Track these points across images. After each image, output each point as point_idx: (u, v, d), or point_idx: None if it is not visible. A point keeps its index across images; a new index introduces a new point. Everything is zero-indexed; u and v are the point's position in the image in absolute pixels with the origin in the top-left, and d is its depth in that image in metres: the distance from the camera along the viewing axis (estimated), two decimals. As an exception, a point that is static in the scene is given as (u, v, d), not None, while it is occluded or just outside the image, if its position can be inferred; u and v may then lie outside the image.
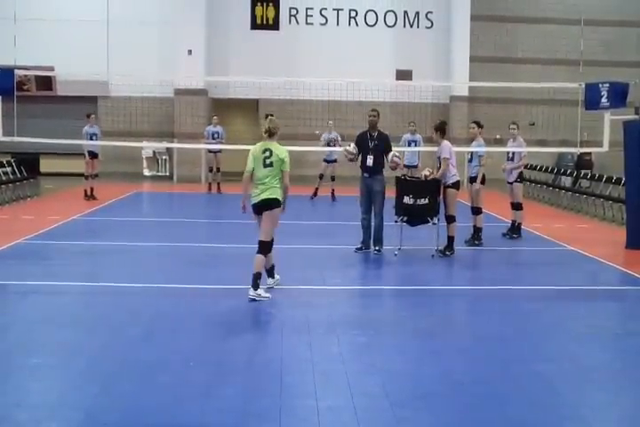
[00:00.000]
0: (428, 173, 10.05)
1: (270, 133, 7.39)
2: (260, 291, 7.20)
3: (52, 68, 18.94)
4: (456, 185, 9.99)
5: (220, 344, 5.87)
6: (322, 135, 16.75)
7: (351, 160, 9.96)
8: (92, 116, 15.93)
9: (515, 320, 6.89)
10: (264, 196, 7.30)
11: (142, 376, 5.10)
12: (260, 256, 7.31)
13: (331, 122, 16.84)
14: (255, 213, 7.43)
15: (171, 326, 6.37)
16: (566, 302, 7.73)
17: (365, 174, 9.89)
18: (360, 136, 10.10)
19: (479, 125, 11.09)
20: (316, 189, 16.39)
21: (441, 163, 9.95)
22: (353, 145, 9.96)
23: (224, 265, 9.03)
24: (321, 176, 16.49)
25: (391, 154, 9.68)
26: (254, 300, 7.11)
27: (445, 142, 10.04)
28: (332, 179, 16.46)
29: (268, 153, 7.32)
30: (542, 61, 22.09)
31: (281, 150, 7.37)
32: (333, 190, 16.37)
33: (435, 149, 10.74)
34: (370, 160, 9.80)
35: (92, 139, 15.44)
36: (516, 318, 6.99)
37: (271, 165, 7.30)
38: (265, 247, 7.37)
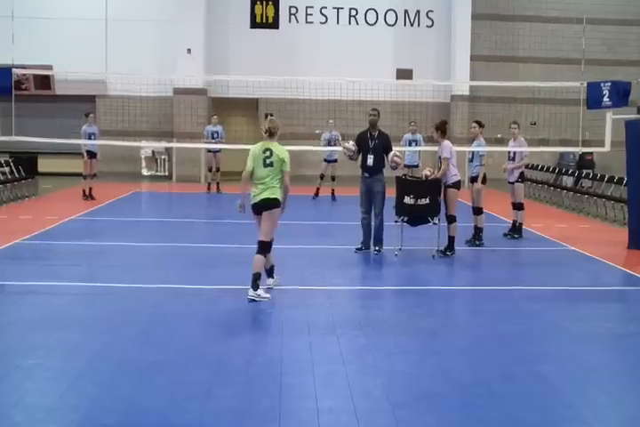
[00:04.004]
0: (428, 173, 10.10)
1: (270, 133, 7.43)
2: (259, 291, 7.22)
3: (50, 67, 18.96)
4: (457, 185, 10.02)
5: (218, 345, 5.86)
6: (322, 135, 16.76)
7: (350, 158, 9.97)
8: (91, 115, 15.97)
9: (515, 321, 6.88)
10: (264, 195, 7.32)
11: (140, 377, 5.10)
12: (260, 256, 7.34)
13: (331, 121, 16.82)
14: (255, 213, 7.45)
15: (169, 327, 6.37)
16: (568, 302, 7.73)
17: (366, 174, 9.91)
18: (360, 136, 10.13)
19: (480, 125, 11.09)
20: (317, 189, 16.45)
21: (441, 163, 9.97)
22: (352, 142, 10.00)
23: (224, 265, 9.03)
24: (322, 176, 16.50)
25: (392, 153, 9.72)
26: (254, 300, 7.13)
27: (446, 142, 10.07)
28: (333, 179, 16.44)
29: (268, 153, 7.35)
30: (544, 60, 22.15)
31: (281, 150, 7.41)
32: (333, 190, 16.36)
33: (435, 148, 10.74)
34: (370, 160, 9.83)
35: (90, 138, 15.45)
36: (516, 318, 6.98)
37: (271, 164, 7.33)
38: (264, 248, 7.40)
